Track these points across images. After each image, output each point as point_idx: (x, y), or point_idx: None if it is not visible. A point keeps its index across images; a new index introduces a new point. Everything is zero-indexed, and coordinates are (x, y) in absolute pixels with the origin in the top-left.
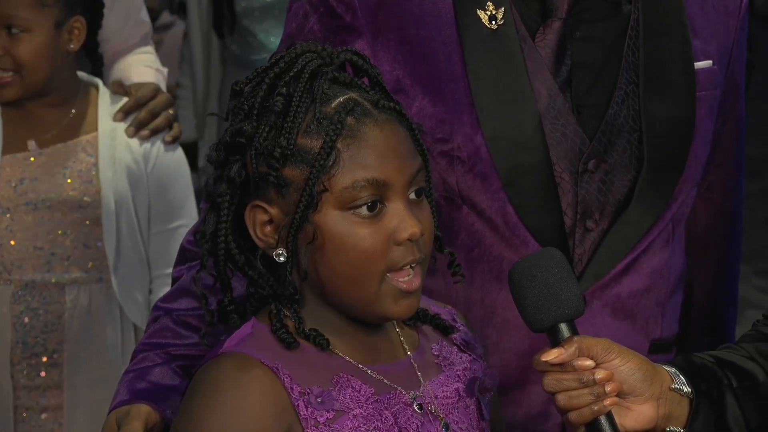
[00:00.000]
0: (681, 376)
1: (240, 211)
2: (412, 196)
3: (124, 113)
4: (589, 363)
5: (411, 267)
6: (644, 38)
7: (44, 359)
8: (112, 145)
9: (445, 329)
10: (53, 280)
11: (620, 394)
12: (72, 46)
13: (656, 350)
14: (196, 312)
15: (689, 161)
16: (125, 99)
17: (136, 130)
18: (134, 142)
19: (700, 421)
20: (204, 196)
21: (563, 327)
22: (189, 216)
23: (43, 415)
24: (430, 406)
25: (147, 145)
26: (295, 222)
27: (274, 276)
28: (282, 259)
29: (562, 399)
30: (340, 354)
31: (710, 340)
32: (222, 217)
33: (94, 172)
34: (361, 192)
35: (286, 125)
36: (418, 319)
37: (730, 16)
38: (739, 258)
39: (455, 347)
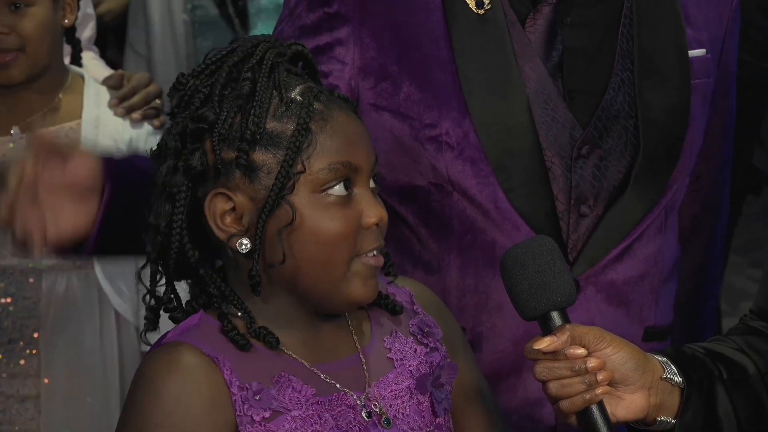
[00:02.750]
0: (672, 365)
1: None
2: (372, 183)
3: (119, 99)
4: (581, 351)
5: (375, 252)
6: (638, 25)
7: (21, 344)
8: (95, 132)
9: (393, 309)
10: (30, 266)
11: (612, 383)
12: (66, 21)
13: (651, 338)
14: None
15: (684, 149)
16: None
17: (126, 111)
18: (118, 131)
19: (691, 412)
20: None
21: (555, 315)
22: None
23: (23, 403)
24: (375, 405)
25: (132, 133)
26: (268, 205)
27: (220, 275)
28: (244, 248)
29: (553, 387)
30: (287, 351)
31: (690, 330)
32: (178, 208)
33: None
34: (335, 174)
35: (254, 109)
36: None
37: (722, 6)
38: (722, 252)
39: (411, 337)
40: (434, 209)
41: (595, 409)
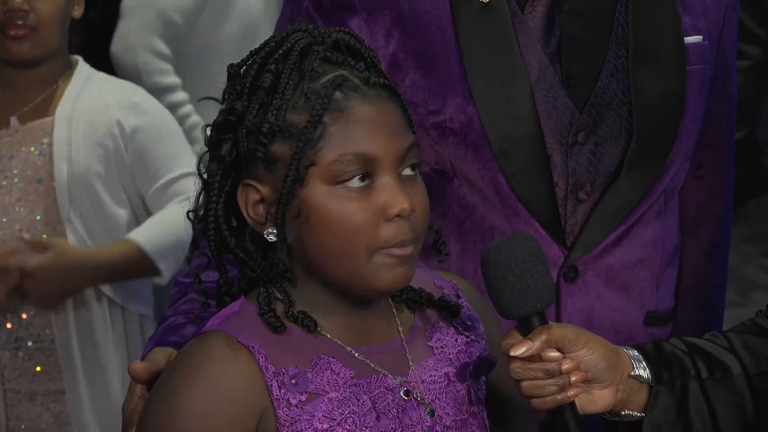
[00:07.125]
0: (643, 362)
1: (234, 192)
2: (407, 171)
3: None
4: (556, 355)
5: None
6: (634, 12)
7: (30, 344)
8: (68, 134)
9: (452, 311)
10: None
11: (584, 382)
12: (76, 12)
13: (652, 323)
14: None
15: (680, 135)
16: (102, 74)
17: None
18: (96, 131)
19: (659, 410)
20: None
21: (534, 318)
22: (188, 165)
23: (43, 401)
24: (416, 392)
25: (122, 119)
26: (283, 197)
27: (265, 257)
28: (272, 237)
29: (527, 386)
30: (327, 335)
31: (698, 319)
32: (212, 197)
33: (57, 149)
34: (348, 166)
35: (274, 101)
36: (422, 303)
37: None
38: (728, 239)
39: (452, 328)
40: (434, 195)
41: (566, 407)
